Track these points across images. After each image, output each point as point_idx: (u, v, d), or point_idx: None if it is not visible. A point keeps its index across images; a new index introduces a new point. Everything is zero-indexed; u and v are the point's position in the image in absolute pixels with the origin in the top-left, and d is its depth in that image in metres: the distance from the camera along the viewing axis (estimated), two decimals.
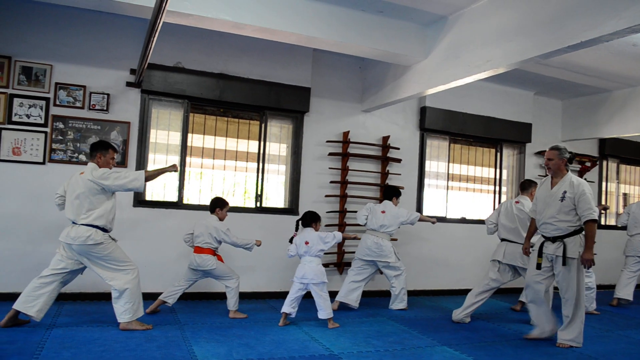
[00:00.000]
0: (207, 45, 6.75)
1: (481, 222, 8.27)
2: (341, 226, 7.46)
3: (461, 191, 8.85)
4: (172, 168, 5.21)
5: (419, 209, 8.16)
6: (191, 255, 5.76)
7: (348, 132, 7.59)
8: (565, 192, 5.02)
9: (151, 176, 5.03)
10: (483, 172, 9.02)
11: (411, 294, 7.51)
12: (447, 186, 8.57)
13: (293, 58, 7.20)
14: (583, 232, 5.05)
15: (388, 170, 7.88)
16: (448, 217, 8.49)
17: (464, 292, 6.68)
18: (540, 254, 5.17)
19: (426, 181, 8.35)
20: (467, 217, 8.73)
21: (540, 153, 9.20)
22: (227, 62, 6.86)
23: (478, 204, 9.00)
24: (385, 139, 7.86)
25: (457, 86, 6.14)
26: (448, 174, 8.58)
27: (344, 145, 7.57)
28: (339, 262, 7.50)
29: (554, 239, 5.09)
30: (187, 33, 6.38)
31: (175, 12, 5.03)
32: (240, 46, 6.87)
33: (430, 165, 8.43)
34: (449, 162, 8.59)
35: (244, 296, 6.31)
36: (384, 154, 7.86)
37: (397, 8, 5.85)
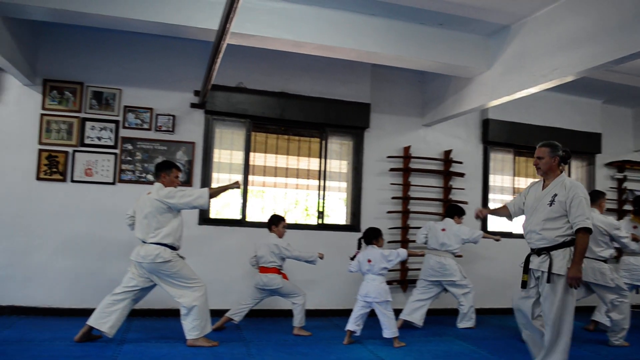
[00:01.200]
0: (268, 65, 6.86)
1: None
2: (404, 243, 7.33)
3: None
4: (235, 185, 5.28)
5: (484, 224, 7.93)
6: (257, 275, 5.80)
7: (409, 147, 7.50)
8: (555, 195, 4.13)
9: (215, 193, 5.13)
10: None
11: (477, 312, 7.25)
12: None
13: (352, 74, 7.21)
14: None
15: (451, 185, 7.71)
16: (515, 232, 8.20)
17: None
18: (526, 269, 4.28)
19: (491, 196, 8.11)
20: None
21: (612, 164, 8.78)
22: (287, 81, 6.95)
23: None
24: (447, 153, 7.72)
25: (522, 97, 5.97)
26: (514, 188, 8.31)
27: (405, 160, 7.48)
28: (402, 280, 7.37)
29: (539, 251, 4.18)
30: (248, 54, 6.50)
31: (238, 33, 5.13)
32: (300, 65, 6.94)
33: (494, 180, 8.19)
34: (514, 175, 8.33)
35: (307, 314, 6.27)
36: (447, 169, 7.71)
37: (458, 20, 5.76)
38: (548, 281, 4.04)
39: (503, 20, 5.75)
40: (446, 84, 7.07)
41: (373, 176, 7.37)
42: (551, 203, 4.12)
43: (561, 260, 4.02)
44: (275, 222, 5.92)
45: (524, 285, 4.26)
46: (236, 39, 5.32)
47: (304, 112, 7.02)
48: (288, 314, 6.02)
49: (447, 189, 7.68)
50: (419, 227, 7.01)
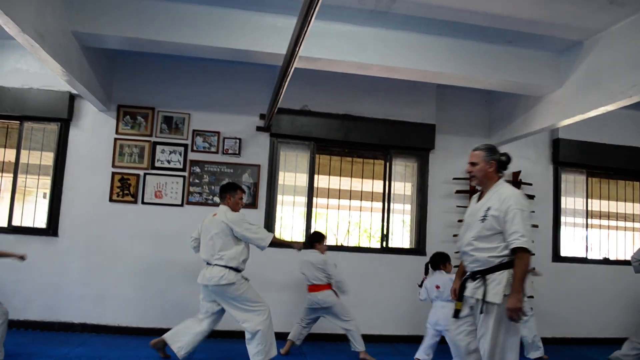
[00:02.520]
0: (332, 87, 6.90)
1: (627, 262, 7.48)
2: None
3: (602, 229, 8.12)
4: (297, 246, 5.50)
5: (556, 248, 7.58)
6: (307, 296, 5.75)
7: None
8: (489, 208, 3.47)
9: (277, 243, 5.22)
10: (627, 208, 8.24)
11: (550, 341, 6.93)
12: (587, 224, 7.91)
13: (417, 95, 7.13)
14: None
15: None
16: (589, 257, 7.80)
17: (610, 342, 6.04)
18: (460, 296, 3.65)
19: (562, 219, 7.76)
20: (611, 258, 7.97)
21: None
22: (351, 103, 6.96)
23: (623, 243, 8.20)
24: (516, 174, 7.46)
25: (596, 115, 5.71)
26: (587, 210, 7.93)
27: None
28: None
29: (473, 275, 3.55)
30: (313, 77, 6.55)
31: (304, 57, 5.18)
32: (364, 87, 6.93)
33: (566, 202, 7.84)
34: (587, 197, 7.95)
35: (370, 339, 6.15)
36: None
37: (527, 37, 5.60)
38: (481, 311, 3.41)
39: (575, 36, 5.55)
40: (514, 103, 6.88)
41: (439, 198, 7.21)
42: (483, 218, 3.47)
43: (496, 286, 3.36)
44: (319, 240, 5.91)
45: (456, 314, 3.66)
46: (302, 63, 5.37)
47: (368, 134, 6.98)
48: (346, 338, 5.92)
49: None
50: None
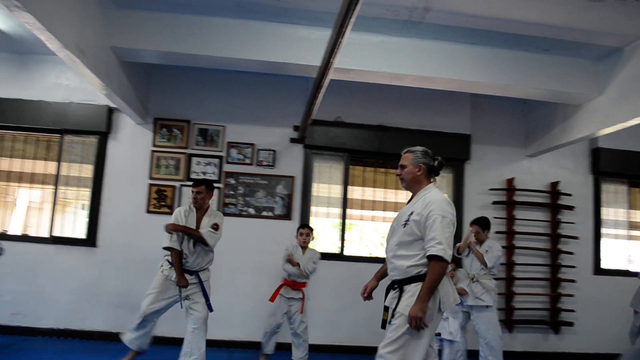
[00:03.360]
0: (365, 98, 6.89)
1: None
2: (510, 280, 6.95)
3: None
4: None
5: (597, 260, 7.36)
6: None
7: (512, 178, 7.18)
8: (412, 213, 3.29)
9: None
10: None
11: (592, 357, 6.71)
12: (629, 235, 7.67)
13: (451, 105, 7.06)
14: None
15: (559, 219, 7.26)
16: (632, 270, 7.55)
17: None
18: (386, 306, 3.41)
19: (603, 230, 7.54)
20: None
21: None
22: (385, 114, 6.93)
23: None
24: (554, 184, 7.30)
25: (638, 123, 5.54)
26: (629, 221, 7.69)
27: (508, 193, 7.16)
28: (508, 320, 6.95)
29: (393, 284, 3.37)
30: (346, 88, 6.56)
31: (338, 68, 5.17)
32: (397, 97, 6.91)
33: (607, 213, 7.61)
34: (629, 208, 7.71)
35: None
36: (554, 201, 7.28)
37: (565, 44, 5.50)
38: (389, 321, 3.22)
39: (614, 42, 5.43)
40: (552, 112, 6.74)
41: (474, 209, 7.08)
42: (405, 223, 3.29)
43: (409, 297, 3.15)
44: None
45: (383, 324, 3.36)
46: (336, 74, 5.37)
47: (402, 145, 6.85)
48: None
49: (555, 223, 7.23)
50: (525, 264, 6.69)
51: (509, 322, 6.94)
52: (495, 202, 7.13)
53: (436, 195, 3.30)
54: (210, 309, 5.01)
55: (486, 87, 5.78)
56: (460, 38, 5.48)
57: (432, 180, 3.48)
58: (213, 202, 6.49)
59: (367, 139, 6.87)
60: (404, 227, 3.28)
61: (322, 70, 4.34)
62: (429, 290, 3.07)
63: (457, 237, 6.30)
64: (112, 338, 6.18)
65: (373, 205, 7.10)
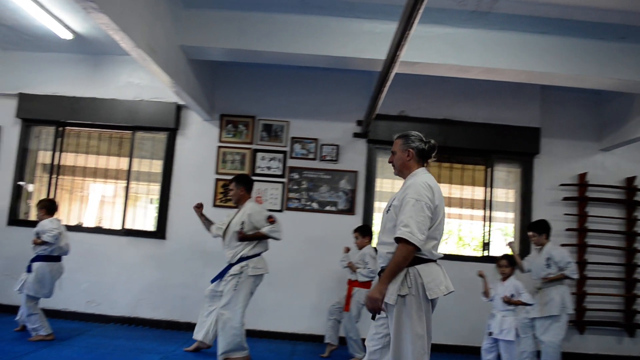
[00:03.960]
0: (430, 91, 6.78)
1: None
2: (582, 279, 6.67)
3: None
4: None
5: None
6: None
7: (585, 174, 6.87)
8: (395, 198, 3.22)
9: None
10: None
11: None
12: None
13: (519, 98, 6.84)
14: (425, 264, 3.04)
15: (635, 216, 6.89)
16: None
17: None
18: None
19: None
20: None
21: None
22: (450, 107, 6.80)
23: None
24: (630, 180, 6.93)
25: None
26: None
27: (580, 188, 6.86)
28: (579, 320, 6.68)
29: (380, 273, 3.20)
30: (410, 81, 6.47)
31: (403, 61, 5.09)
32: (463, 90, 6.76)
33: None
34: None
35: (463, 350, 5.94)
36: (630, 198, 6.91)
37: None
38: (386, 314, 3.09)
39: None
40: (628, 103, 6.40)
41: (544, 206, 6.84)
42: (387, 209, 3.22)
43: (392, 285, 2.99)
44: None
45: (373, 316, 3.16)
46: (401, 67, 5.29)
47: (468, 139, 6.79)
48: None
49: (631, 221, 6.87)
50: (598, 263, 6.40)
51: (580, 323, 6.66)
52: (566, 199, 6.85)
53: (418, 179, 3.15)
54: None
55: (557, 78, 5.56)
56: (530, 27, 5.29)
57: (424, 165, 3.35)
58: (276, 196, 6.60)
59: (432, 134, 6.58)
60: (387, 213, 3.22)
61: (387, 63, 4.29)
62: (390, 273, 2.96)
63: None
64: (180, 327, 6.39)
65: (449, 202, 6.96)
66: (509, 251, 5.77)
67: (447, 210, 6.89)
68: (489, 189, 6.91)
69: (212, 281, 5.36)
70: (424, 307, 2.99)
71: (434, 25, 5.27)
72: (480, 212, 6.93)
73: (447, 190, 6.97)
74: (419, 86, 6.71)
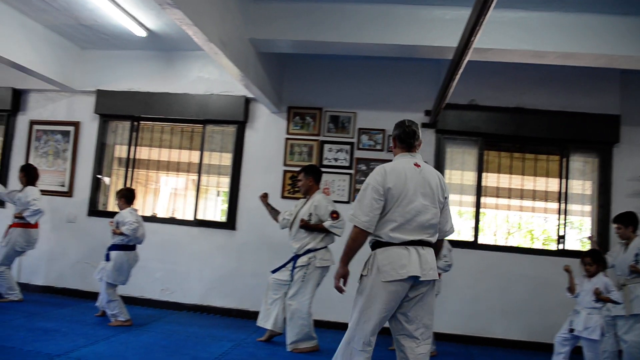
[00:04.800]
0: (502, 79, 6.56)
1: None
2: None
3: None
4: None
5: None
6: None
7: None
8: None
9: None
10: None
11: None
12: None
13: (597, 83, 6.49)
14: (384, 248, 3.19)
15: None
16: None
17: None
18: None
19: None
20: None
21: None
22: (523, 95, 6.55)
23: None
24: None
25: None
26: None
27: None
28: None
29: None
30: (480, 69, 6.26)
31: (475, 48, 4.95)
32: (537, 77, 6.49)
33: None
34: None
35: (538, 347, 5.73)
36: None
37: None
38: None
39: None
40: None
41: (625, 197, 6.47)
42: None
43: (364, 267, 3.27)
44: None
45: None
46: (473, 55, 5.14)
47: (541, 128, 6.52)
48: None
49: None
50: None
51: None
52: None
53: (381, 165, 3.28)
54: None
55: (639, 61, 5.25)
56: (610, 9, 5.02)
57: (400, 151, 3.40)
58: (344, 188, 6.60)
59: (503, 122, 6.54)
60: None
61: (460, 51, 4.19)
62: (343, 254, 3.28)
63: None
64: (249, 316, 6.51)
65: (509, 193, 6.76)
66: (592, 246, 5.49)
67: (519, 202, 6.69)
68: (564, 181, 6.62)
69: (274, 272, 5.45)
70: (380, 288, 3.11)
71: (506, 10, 5.08)
72: (555, 205, 6.66)
73: (519, 181, 6.74)
74: (489, 73, 6.49)
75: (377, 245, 3.22)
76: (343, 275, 3.28)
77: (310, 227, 5.23)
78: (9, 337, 4.80)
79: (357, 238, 3.20)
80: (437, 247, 3.35)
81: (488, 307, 6.33)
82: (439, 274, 5.35)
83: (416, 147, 3.39)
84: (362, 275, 3.24)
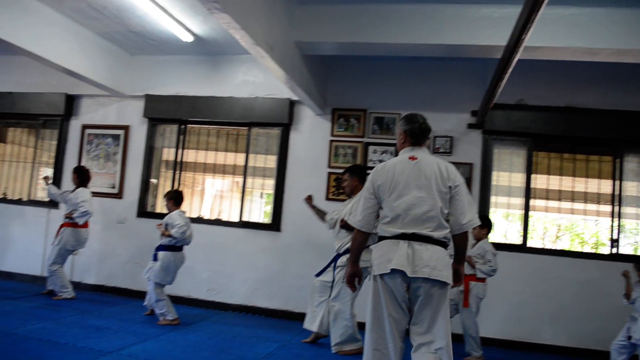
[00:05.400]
0: (551, 77, 6.39)
1: None
2: None
3: None
4: None
5: None
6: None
7: None
8: None
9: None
10: None
11: None
12: None
13: None
14: (378, 243, 3.25)
15: None
16: None
17: None
18: None
19: None
20: None
21: None
22: (574, 94, 6.36)
23: None
24: None
25: None
26: None
27: None
28: None
29: None
30: (529, 68, 6.11)
31: (525, 46, 4.88)
32: (588, 75, 6.29)
33: None
34: None
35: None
36: None
37: None
38: None
39: None
40: None
41: None
42: None
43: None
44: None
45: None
46: (521, 53, 5.06)
47: (593, 128, 6.31)
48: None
49: None
50: None
51: None
52: None
53: (379, 164, 3.34)
54: None
55: None
56: None
57: (409, 145, 3.33)
58: None
59: (553, 122, 6.37)
60: None
61: (509, 49, 4.10)
62: (350, 254, 3.43)
63: None
64: (294, 317, 6.53)
65: (559, 195, 6.58)
66: None
67: (570, 205, 6.49)
68: (617, 182, 6.39)
69: (317, 275, 5.45)
70: (374, 284, 3.14)
71: (557, 7, 4.93)
72: (608, 208, 6.43)
73: (570, 183, 6.54)
74: (539, 72, 6.33)
75: (379, 240, 3.24)
76: (353, 274, 3.39)
77: (349, 227, 5.18)
78: (63, 333, 4.96)
79: (356, 238, 3.32)
80: (458, 242, 3.24)
81: (536, 312, 6.16)
82: (483, 279, 5.28)
83: (424, 143, 3.34)
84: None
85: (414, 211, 3.07)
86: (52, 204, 7.56)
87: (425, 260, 2.99)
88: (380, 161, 6.48)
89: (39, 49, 5.99)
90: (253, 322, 6.42)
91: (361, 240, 3.29)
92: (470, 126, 6.52)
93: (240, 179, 7.30)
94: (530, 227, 6.53)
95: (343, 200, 5.84)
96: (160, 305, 5.77)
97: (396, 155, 3.46)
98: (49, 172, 7.90)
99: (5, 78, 8.09)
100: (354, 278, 3.38)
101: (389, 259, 3.01)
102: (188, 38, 6.42)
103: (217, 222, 7.30)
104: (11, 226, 7.96)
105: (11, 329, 4.92)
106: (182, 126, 7.47)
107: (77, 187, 6.69)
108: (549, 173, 6.59)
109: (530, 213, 6.49)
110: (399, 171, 3.16)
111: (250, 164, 7.21)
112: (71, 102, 7.88)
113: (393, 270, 3.00)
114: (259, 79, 7.06)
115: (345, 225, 5.19)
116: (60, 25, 6.30)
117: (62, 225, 6.65)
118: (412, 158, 3.21)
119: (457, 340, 5.41)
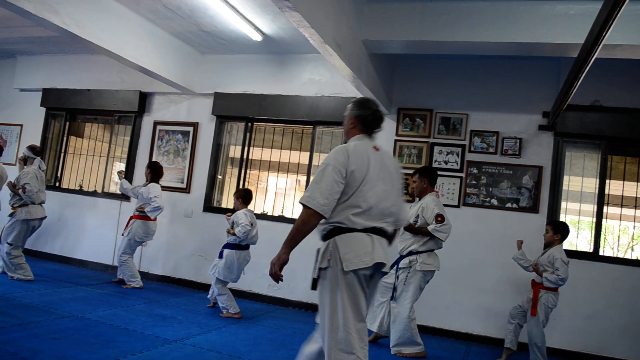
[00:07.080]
0: (630, 77, 6.07)
1: None
2: None
3: None
4: None
5: None
6: None
7: None
8: None
9: None
10: None
11: None
12: None
13: None
14: (345, 235, 2.89)
15: None
16: None
17: None
18: None
19: None
20: None
21: None
22: None
23: None
24: None
25: None
26: None
27: None
28: None
29: None
30: (605, 67, 5.82)
31: (603, 44, 4.68)
32: None
33: None
34: None
35: None
36: None
37: None
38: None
39: None
40: None
41: None
42: None
43: (320, 258, 2.94)
44: None
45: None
46: (598, 52, 4.86)
47: None
48: None
49: None
50: None
51: None
52: None
53: (342, 146, 3.01)
54: None
55: None
56: None
57: (361, 132, 3.14)
58: (454, 191, 6.45)
59: (631, 125, 6.05)
60: None
61: (587, 48, 3.93)
62: (290, 237, 2.94)
63: None
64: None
65: (636, 202, 6.26)
66: None
67: (634, 212, 6.13)
68: None
69: None
70: (345, 279, 2.86)
71: (637, 2, 4.72)
72: None
73: (634, 189, 6.21)
74: (615, 72, 6.03)
75: (336, 232, 2.92)
76: (284, 263, 2.97)
77: (414, 229, 5.21)
78: (132, 321, 5.16)
79: (310, 221, 2.88)
80: (391, 237, 3.16)
81: (606, 324, 5.87)
82: (555, 288, 5.09)
83: (376, 132, 3.20)
84: (320, 269, 2.93)
85: (382, 205, 2.97)
86: (124, 197, 7.87)
87: (387, 254, 3.00)
88: (446, 162, 6.45)
89: (118, 48, 6.26)
90: (313, 319, 6.42)
91: (314, 225, 2.91)
92: (541, 128, 6.30)
93: (303, 177, 7.37)
94: (611, 235, 6.25)
95: (409, 201, 5.78)
96: (222, 299, 5.91)
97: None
98: (122, 166, 8.25)
99: (83, 76, 8.53)
100: (282, 268, 3.00)
101: (366, 252, 2.89)
102: (257, 37, 6.54)
103: (281, 219, 7.39)
104: (86, 217, 8.38)
105: (85, 314, 5.18)
106: (249, 124, 7.62)
107: (150, 182, 6.94)
108: (624, 179, 6.29)
109: (603, 221, 6.20)
110: (372, 160, 2.99)
111: (315, 162, 7.25)
112: (144, 99, 8.21)
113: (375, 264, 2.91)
114: (325, 78, 7.10)
115: (409, 228, 5.17)
116: (136, 25, 6.56)
117: (131, 217, 6.93)
118: (376, 148, 3.10)
119: (522, 348, 5.31)
